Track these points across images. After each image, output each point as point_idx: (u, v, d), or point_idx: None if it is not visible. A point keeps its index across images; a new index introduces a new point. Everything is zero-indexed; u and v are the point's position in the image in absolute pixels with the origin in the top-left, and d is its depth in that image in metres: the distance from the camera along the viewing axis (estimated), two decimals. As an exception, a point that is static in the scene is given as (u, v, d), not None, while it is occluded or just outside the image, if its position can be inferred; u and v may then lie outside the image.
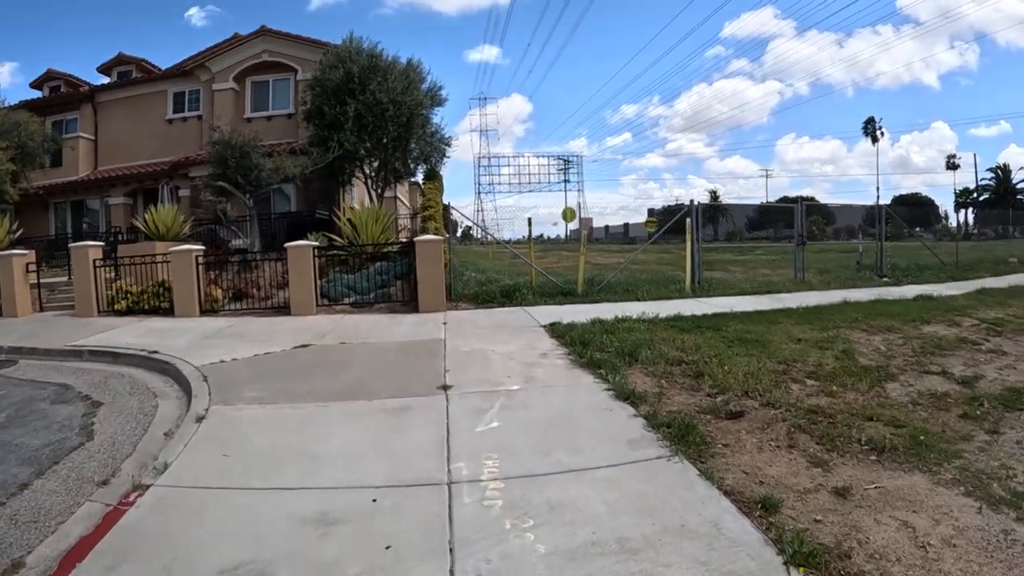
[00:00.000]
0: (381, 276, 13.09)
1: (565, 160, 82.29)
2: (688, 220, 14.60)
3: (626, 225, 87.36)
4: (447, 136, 19.67)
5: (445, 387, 6.40)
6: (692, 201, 14.96)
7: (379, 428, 5.31)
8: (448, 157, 19.56)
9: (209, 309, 12.50)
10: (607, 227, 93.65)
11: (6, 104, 19.43)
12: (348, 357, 8.23)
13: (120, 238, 21.95)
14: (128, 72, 26.31)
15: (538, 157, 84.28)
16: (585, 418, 5.39)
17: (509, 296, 12.79)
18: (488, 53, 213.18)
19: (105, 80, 26.46)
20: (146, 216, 15.56)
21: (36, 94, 27.18)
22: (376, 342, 9.16)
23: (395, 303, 12.43)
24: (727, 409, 5.41)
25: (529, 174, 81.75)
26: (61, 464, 5.04)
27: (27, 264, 14.42)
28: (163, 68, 26.05)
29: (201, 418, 5.72)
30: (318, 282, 12.32)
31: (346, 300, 12.62)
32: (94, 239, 20.81)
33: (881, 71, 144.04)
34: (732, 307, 11.14)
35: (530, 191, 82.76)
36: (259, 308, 12.43)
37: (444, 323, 10.49)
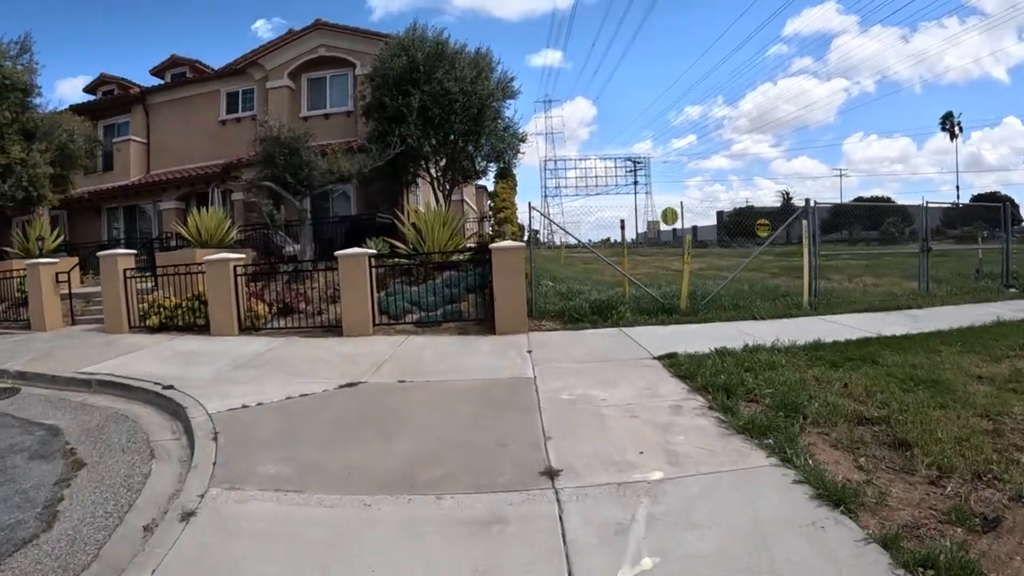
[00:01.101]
0: (449, 289, 11.09)
1: (635, 161, 79.82)
2: (804, 223, 12.15)
3: (694, 228, 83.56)
4: (521, 131, 17.60)
5: (551, 472, 4.21)
6: (809, 201, 12.46)
7: (453, 567, 3.19)
8: (523, 154, 17.46)
9: (250, 327, 10.71)
10: (675, 230, 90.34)
11: (51, 108, 18.15)
12: (407, 407, 6.09)
13: (171, 244, 20.68)
14: (181, 74, 25.21)
15: (603, 160, 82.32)
16: (789, 548, 3.18)
17: (601, 313, 10.57)
18: (551, 57, 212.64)
19: (158, 83, 25.38)
20: (188, 220, 13.94)
21: (90, 99, 26.41)
22: (444, 381, 7.04)
23: (466, 322, 10.38)
24: (976, 513, 3.42)
25: (596, 176, 79.89)
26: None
27: (56, 274, 12.96)
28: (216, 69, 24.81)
29: (190, 514, 3.82)
30: (376, 296, 10.37)
31: (409, 317, 10.62)
32: (141, 246, 19.79)
33: (949, 66, 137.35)
34: (867, 329, 8.98)
35: (597, 194, 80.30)
36: (307, 327, 10.56)
37: (528, 351, 8.35)
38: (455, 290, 11.05)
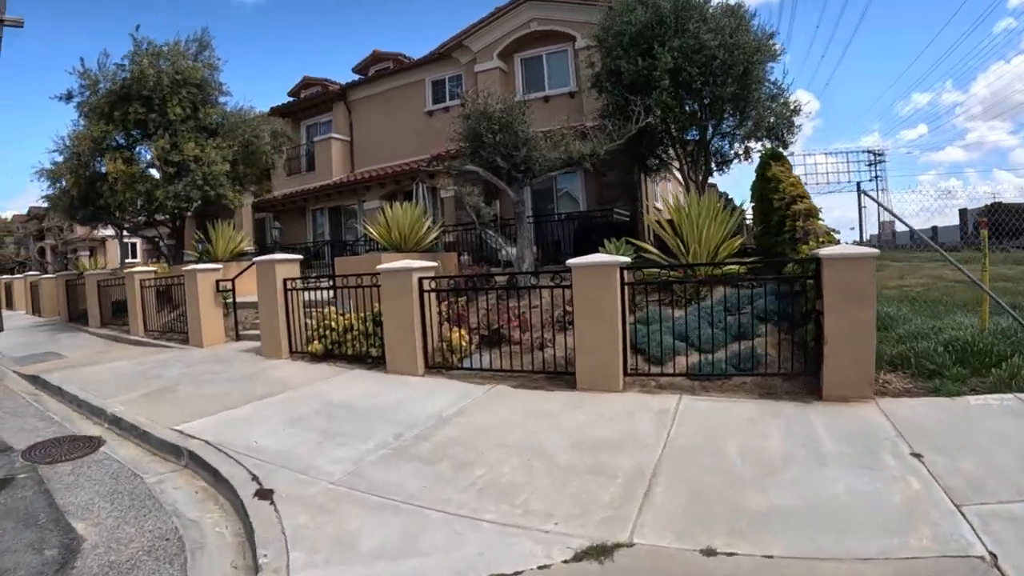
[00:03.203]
0: (731, 316, 7.25)
1: (875, 154, 69.94)
2: None
3: (934, 228, 71.85)
4: (792, 100, 13.17)
5: None
6: None
7: None
8: (798, 128, 12.97)
9: (441, 363, 7.60)
10: (912, 232, 78.52)
11: (238, 106, 16.75)
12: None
13: (356, 249, 18.78)
14: (384, 70, 23.46)
15: (826, 155, 73.16)
16: None
17: (973, 364, 6.09)
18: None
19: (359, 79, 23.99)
20: (379, 217, 11.29)
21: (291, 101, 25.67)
22: (799, 560, 3.13)
23: (771, 377, 6.36)
24: None
25: (827, 172, 70.91)
26: None
27: (217, 282, 10.84)
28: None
29: None
30: (627, 327, 6.73)
31: (677, 362, 6.87)
32: (344, 248, 17.95)
33: None
34: None
35: (828, 192, 71.31)
36: (522, 370, 7.12)
37: (914, 454, 4.28)
38: (741, 318, 7.15)
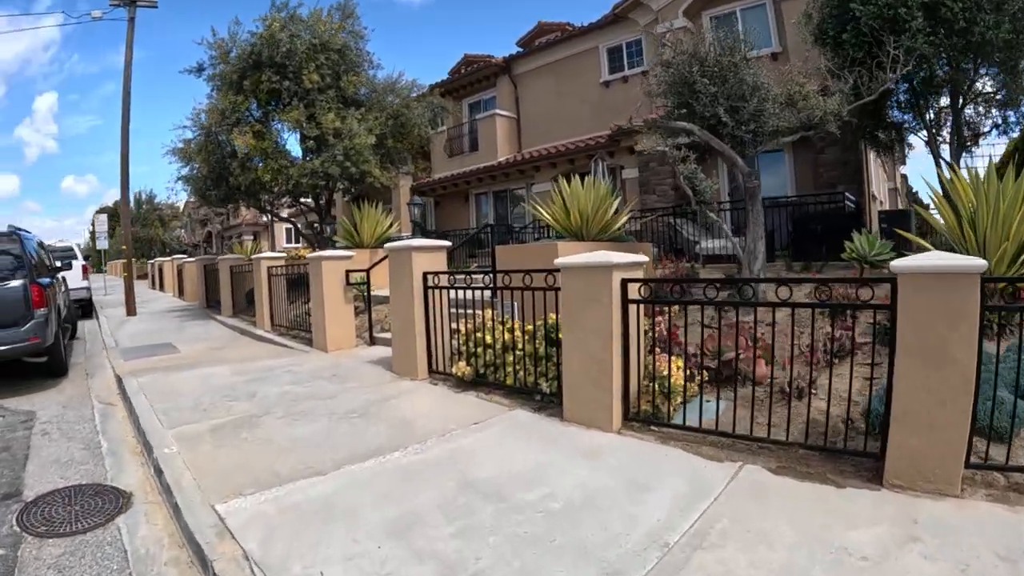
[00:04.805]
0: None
1: None
2: None
3: None
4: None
5: None
6: None
7: None
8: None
9: (647, 413, 5.11)
10: None
11: (388, 78, 15.10)
12: None
13: (522, 236, 16.66)
14: (552, 39, 21.23)
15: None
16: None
17: None
18: None
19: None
20: (554, 195, 9.01)
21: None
22: None
23: None
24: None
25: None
26: None
27: (347, 272, 9.03)
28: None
29: None
30: (979, 381, 3.91)
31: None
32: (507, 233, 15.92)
33: None
34: None
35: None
36: (783, 442, 4.49)
37: None
38: None
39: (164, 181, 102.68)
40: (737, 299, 5.13)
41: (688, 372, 5.18)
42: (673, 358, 5.15)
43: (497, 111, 21.18)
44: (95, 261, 32.25)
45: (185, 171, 14.54)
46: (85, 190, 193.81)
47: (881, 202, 18.16)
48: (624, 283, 5.03)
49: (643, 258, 5.34)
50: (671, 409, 5.06)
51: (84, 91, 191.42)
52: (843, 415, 4.38)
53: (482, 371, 6.38)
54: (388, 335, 8.63)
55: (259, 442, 5.05)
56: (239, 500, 3.86)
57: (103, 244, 22.79)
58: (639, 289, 5.09)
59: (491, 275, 6.81)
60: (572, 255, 5.29)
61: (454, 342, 6.95)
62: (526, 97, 21.20)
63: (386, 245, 7.68)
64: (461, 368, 6.43)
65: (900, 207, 23.49)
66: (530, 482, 4.05)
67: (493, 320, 6.46)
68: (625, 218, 9.28)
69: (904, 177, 29.57)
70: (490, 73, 21.98)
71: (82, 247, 24.56)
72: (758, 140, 8.16)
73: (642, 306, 5.17)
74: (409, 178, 21.87)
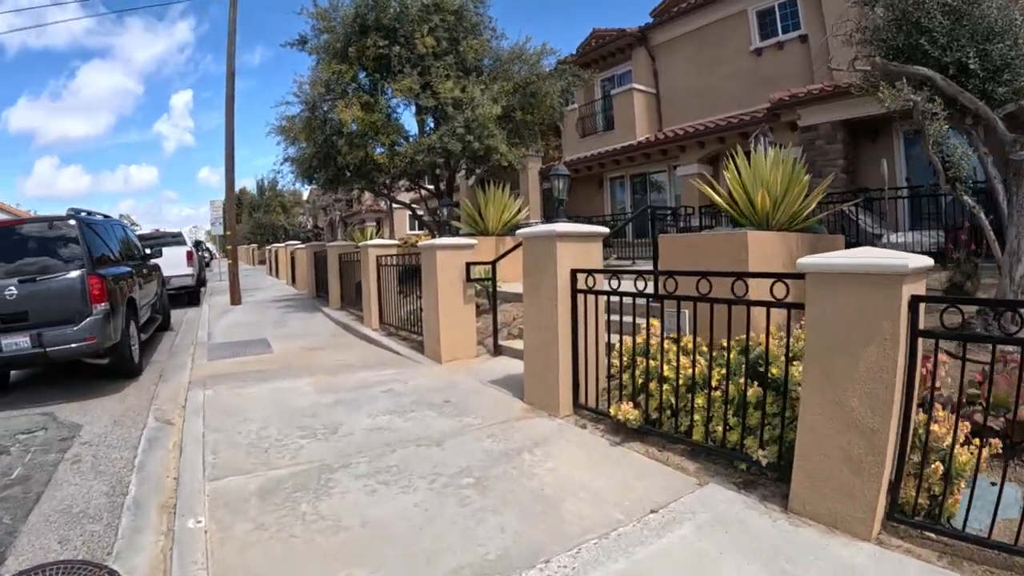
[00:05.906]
0: None
1: None
2: None
3: None
4: None
5: None
6: None
7: None
8: None
9: (921, 512, 3.12)
10: None
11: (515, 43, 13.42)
12: None
13: (681, 223, 14.60)
14: (692, 3, 18.88)
15: None
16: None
17: None
18: None
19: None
20: (726, 174, 6.98)
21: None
22: None
23: None
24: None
25: None
26: None
27: (468, 265, 7.41)
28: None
29: None
30: None
31: None
32: (656, 220, 13.81)
33: None
34: None
35: None
36: None
37: None
38: None
39: (271, 165, 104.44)
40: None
41: (972, 436, 3.16)
42: (945, 415, 3.15)
43: (634, 85, 19.17)
44: (221, 246, 33.00)
45: (291, 151, 13.46)
46: (219, 180, 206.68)
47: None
48: (914, 303, 3.02)
49: (927, 261, 3.27)
50: (949, 501, 3.10)
51: (217, 89, 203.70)
52: None
53: (653, 415, 4.51)
54: (517, 344, 6.93)
55: (320, 528, 3.38)
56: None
57: (217, 230, 22.72)
58: (940, 315, 3.07)
59: (664, 276, 4.75)
60: (820, 254, 3.26)
61: (611, 367, 5.13)
62: (665, 70, 19.04)
63: (519, 231, 5.87)
64: (624, 410, 4.51)
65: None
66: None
67: (665, 341, 4.55)
68: (815, 203, 7.08)
69: None
70: (624, 45, 19.95)
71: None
72: (1005, 98, 5.78)
73: (927, 340, 3.13)
74: (538, 161, 20.16)
